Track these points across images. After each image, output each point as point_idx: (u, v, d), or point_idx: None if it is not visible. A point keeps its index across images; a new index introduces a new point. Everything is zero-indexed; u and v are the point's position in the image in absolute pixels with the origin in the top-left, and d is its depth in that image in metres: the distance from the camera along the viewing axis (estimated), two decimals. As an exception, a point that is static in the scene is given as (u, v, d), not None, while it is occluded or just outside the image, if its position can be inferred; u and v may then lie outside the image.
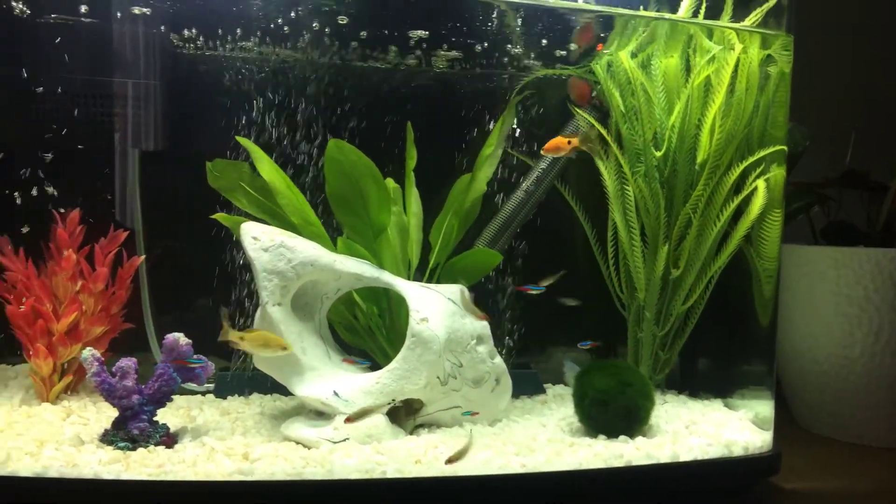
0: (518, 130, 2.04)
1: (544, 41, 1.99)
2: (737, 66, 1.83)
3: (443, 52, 1.98)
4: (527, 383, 2.01)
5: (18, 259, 1.84)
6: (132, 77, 1.94)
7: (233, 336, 1.55)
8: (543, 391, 2.05)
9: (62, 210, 1.87)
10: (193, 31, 1.91)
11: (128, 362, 1.58)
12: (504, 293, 2.08)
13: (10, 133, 1.94)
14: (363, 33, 1.93)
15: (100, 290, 1.86)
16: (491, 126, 2.00)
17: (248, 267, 1.87)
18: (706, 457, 1.62)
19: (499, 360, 1.78)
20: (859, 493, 1.78)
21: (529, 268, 2.07)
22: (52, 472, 1.40)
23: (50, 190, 1.91)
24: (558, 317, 1.98)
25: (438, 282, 1.86)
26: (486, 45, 1.99)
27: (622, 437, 1.66)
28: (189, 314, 2.02)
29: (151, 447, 1.52)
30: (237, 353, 1.93)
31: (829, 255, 2.06)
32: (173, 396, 1.63)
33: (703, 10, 1.86)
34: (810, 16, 1.86)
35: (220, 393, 1.92)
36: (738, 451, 1.66)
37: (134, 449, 1.51)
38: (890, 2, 2.65)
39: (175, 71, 1.96)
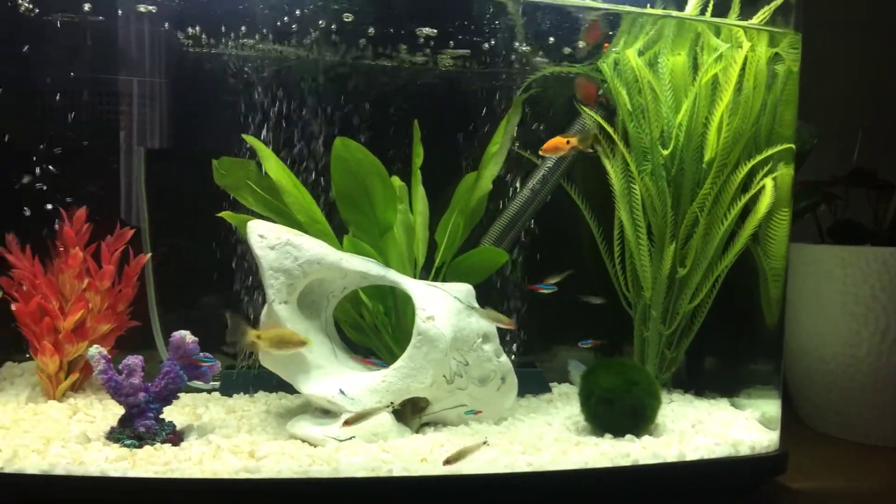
0: (529, 128, 2.03)
1: (551, 39, 1.98)
2: (744, 64, 1.82)
3: (450, 50, 1.98)
4: (532, 382, 2.01)
5: (25, 257, 1.84)
6: (138, 75, 1.94)
7: (251, 336, 1.55)
8: (549, 390, 2.04)
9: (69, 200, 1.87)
10: (198, 28, 1.91)
11: (134, 360, 1.58)
12: (507, 292, 2.08)
13: (15, 131, 1.94)
14: (371, 30, 1.92)
15: (106, 288, 1.87)
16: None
17: (252, 264, 1.88)
18: (713, 456, 1.62)
19: (504, 358, 1.77)
20: (866, 493, 1.77)
21: (535, 266, 2.06)
22: (59, 470, 1.40)
23: (55, 188, 1.92)
24: (563, 315, 1.97)
25: (444, 280, 1.86)
26: (492, 42, 1.98)
27: (628, 436, 1.65)
28: (195, 312, 2.02)
29: (158, 445, 1.52)
30: (243, 352, 1.94)
31: (835, 254, 2.06)
32: (179, 394, 1.63)
33: (710, 8, 1.86)
34: (818, 14, 1.85)
35: (226, 391, 1.93)
36: (744, 451, 1.65)
37: (140, 446, 1.51)
38: (898, -1, 2.64)
39: (181, 69, 1.96)
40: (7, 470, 1.39)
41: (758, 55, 1.84)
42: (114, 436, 1.54)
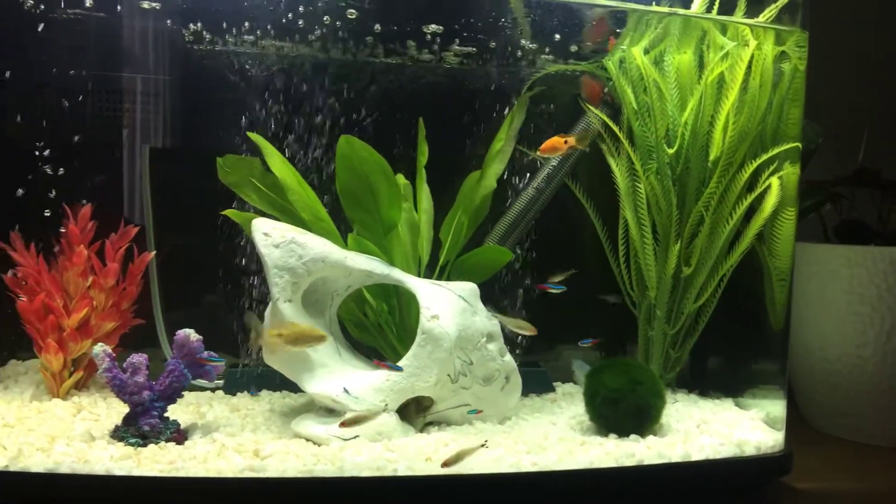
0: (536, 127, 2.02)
1: (557, 36, 1.97)
2: (751, 62, 1.81)
3: (456, 48, 1.97)
4: (536, 381, 2.00)
5: (30, 254, 1.84)
6: (142, 72, 1.93)
7: (270, 334, 1.54)
8: (553, 389, 2.04)
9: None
10: (201, 25, 1.91)
11: (139, 358, 1.58)
12: (509, 291, 2.07)
13: (19, 130, 1.94)
14: (377, 26, 1.92)
15: (110, 286, 1.87)
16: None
17: (257, 262, 1.88)
18: (718, 456, 1.62)
19: (509, 357, 1.77)
20: (871, 494, 1.77)
21: (539, 265, 2.06)
22: (64, 468, 1.40)
23: (59, 186, 1.91)
24: (567, 314, 1.97)
25: (448, 279, 1.85)
26: (498, 40, 1.98)
27: (633, 436, 1.65)
28: (199, 310, 2.01)
29: (162, 443, 1.52)
30: (247, 350, 1.94)
31: (841, 254, 2.05)
32: (183, 392, 1.63)
33: (716, 6, 1.85)
34: (824, 12, 1.84)
35: (230, 389, 1.92)
36: (749, 451, 1.65)
37: (145, 445, 1.51)
38: (904, -2, 2.63)
39: (185, 66, 1.95)
40: (12, 468, 1.39)
41: (764, 53, 1.83)
42: (118, 434, 1.54)
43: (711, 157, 1.88)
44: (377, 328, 1.89)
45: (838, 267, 2.05)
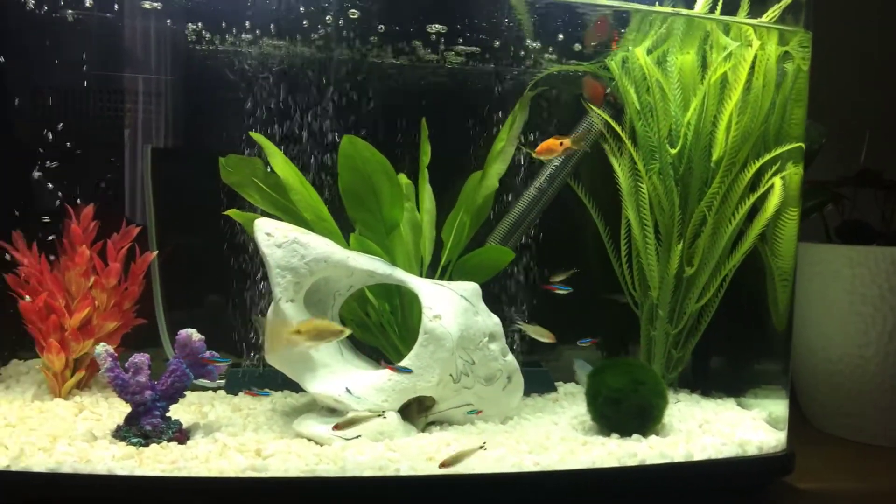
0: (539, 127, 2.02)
1: (560, 36, 1.97)
2: (754, 62, 1.81)
3: (459, 48, 1.97)
4: (538, 381, 2.00)
5: (32, 254, 1.84)
6: (144, 73, 1.93)
7: (290, 332, 1.54)
8: (554, 389, 2.04)
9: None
10: (203, 25, 1.91)
11: (141, 358, 1.57)
12: (511, 290, 2.07)
13: (22, 128, 1.94)
14: (381, 26, 1.91)
15: (112, 286, 1.87)
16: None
17: (259, 262, 1.88)
18: (720, 456, 1.61)
19: (511, 357, 1.77)
20: (873, 494, 1.77)
21: (542, 264, 2.06)
22: (66, 468, 1.40)
23: (61, 185, 1.91)
24: (569, 314, 1.96)
25: (450, 279, 1.85)
26: (500, 40, 1.97)
27: (635, 436, 1.65)
28: (201, 310, 2.01)
29: (164, 443, 1.52)
30: (250, 349, 1.94)
31: (843, 254, 2.05)
32: (185, 392, 1.63)
33: (719, 6, 1.85)
34: (828, 12, 1.84)
35: (232, 389, 1.92)
36: (752, 451, 1.65)
37: (147, 445, 1.51)
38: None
39: (188, 66, 1.95)
40: (14, 468, 1.39)
41: (767, 53, 1.83)
42: (120, 434, 1.54)
43: (714, 158, 1.88)
44: (379, 328, 1.89)
45: (840, 267, 2.05)
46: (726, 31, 1.86)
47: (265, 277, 1.74)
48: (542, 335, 1.74)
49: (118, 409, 1.72)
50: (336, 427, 1.53)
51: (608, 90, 2.01)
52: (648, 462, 1.56)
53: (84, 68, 1.91)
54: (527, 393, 1.86)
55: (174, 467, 1.42)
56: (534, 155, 1.78)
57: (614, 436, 1.66)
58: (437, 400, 1.69)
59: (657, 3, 1.87)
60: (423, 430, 1.68)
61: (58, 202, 1.89)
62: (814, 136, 2.09)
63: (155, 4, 1.87)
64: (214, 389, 1.92)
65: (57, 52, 1.90)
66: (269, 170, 1.81)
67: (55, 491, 1.40)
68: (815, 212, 2.23)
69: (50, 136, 1.90)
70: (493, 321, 1.76)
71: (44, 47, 1.89)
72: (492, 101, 2.01)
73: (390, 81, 2.00)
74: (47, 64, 1.90)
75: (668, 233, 1.94)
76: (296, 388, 1.81)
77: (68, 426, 1.60)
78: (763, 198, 1.86)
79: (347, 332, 1.55)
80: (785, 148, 1.83)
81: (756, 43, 1.81)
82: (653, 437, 1.64)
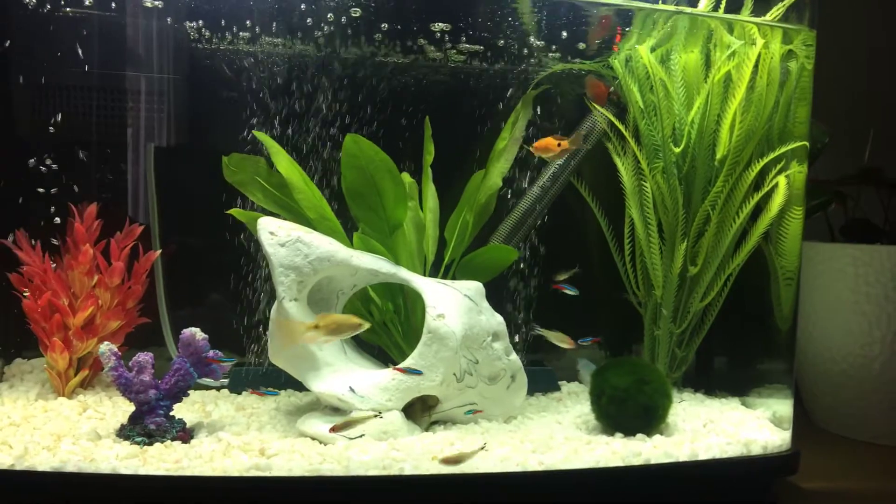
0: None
1: (564, 33, 1.97)
2: (758, 61, 1.81)
3: (464, 46, 1.96)
4: (542, 380, 2.00)
5: (35, 253, 1.84)
6: (147, 71, 1.93)
7: (308, 326, 1.53)
8: (558, 388, 2.04)
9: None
10: (206, 23, 1.91)
11: (145, 357, 1.57)
12: (514, 289, 2.07)
13: (25, 127, 1.94)
14: (384, 25, 1.91)
15: (116, 285, 1.86)
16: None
17: (262, 261, 1.88)
18: (724, 455, 1.61)
19: (514, 356, 1.77)
20: (878, 493, 1.77)
21: (546, 264, 2.06)
22: (70, 467, 1.40)
23: (64, 184, 1.91)
24: (573, 313, 1.96)
25: (454, 278, 1.85)
26: (504, 39, 1.97)
27: (640, 435, 1.64)
28: (204, 309, 2.01)
29: (168, 442, 1.52)
30: (252, 348, 1.94)
31: (848, 253, 2.04)
32: (188, 391, 1.63)
33: (723, 4, 1.84)
34: (832, 11, 1.84)
35: (235, 388, 1.92)
36: (756, 450, 1.65)
37: (150, 444, 1.51)
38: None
39: (191, 65, 1.95)
40: (18, 467, 1.39)
41: (771, 52, 1.83)
42: (124, 433, 1.54)
43: (718, 156, 1.87)
44: (383, 327, 1.89)
45: (844, 266, 2.04)
46: (730, 30, 1.85)
47: (269, 276, 1.74)
48: (562, 341, 1.73)
49: (122, 409, 1.72)
50: (333, 429, 1.52)
51: (612, 89, 2.01)
52: (653, 461, 1.56)
53: (84, 67, 1.91)
54: (530, 392, 1.86)
55: (178, 466, 1.42)
56: (532, 150, 1.78)
57: (618, 435, 1.66)
58: (441, 399, 1.69)
59: (661, 1, 1.86)
60: (426, 430, 1.68)
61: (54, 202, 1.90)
62: (817, 135, 2.09)
63: (156, 3, 1.87)
64: (218, 388, 1.92)
65: (57, 50, 1.90)
66: (272, 169, 1.81)
67: (59, 490, 1.40)
68: (819, 211, 2.23)
69: (50, 136, 1.90)
70: (496, 320, 1.76)
71: (45, 45, 1.89)
72: (494, 99, 2.01)
73: (393, 80, 2.00)
74: (48, 61, 1.90)
75: (671, 232, 1.94)
76: (299, 387, 1.81)
77: (72, 425, 1.60)
78: (767, 197, 1.85)
79: (367, 325, 1.53)
80: (789, 147, 1.83)
81: (760, 41, 1.80)
82: (657, 437, 1.64)
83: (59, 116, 1.90)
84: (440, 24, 1.91)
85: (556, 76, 2.00)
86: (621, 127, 1.93)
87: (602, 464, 1.53)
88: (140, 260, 1.90)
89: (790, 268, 1.85)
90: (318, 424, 1.60)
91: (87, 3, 1.86)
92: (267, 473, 1.42)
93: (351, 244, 1.78)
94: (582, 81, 2.02)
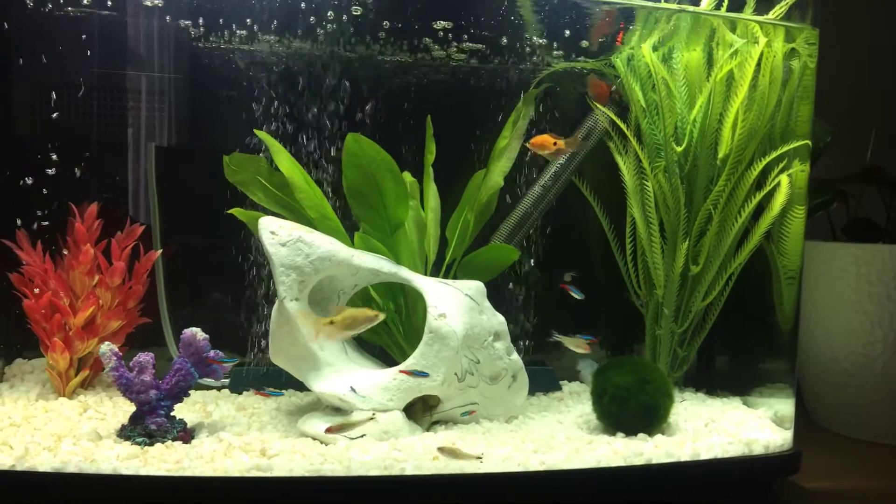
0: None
1: (567, 32, 1.96)
2: (760, 59, 1.80)
3: (465, 45, 1.96)
4: (543, 380, 2.00)
5: (36, 253, 1.84)
6: (148, 70, 1.93)
7: (322, 322, 1.52)
8: (559, 388, 2.03)
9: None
10: (205, 23, 1.90)
11: (146, 357, 1.57)
12: (517, 289, 2.07)
13: (26, 127, 1.94)
14: (386, 23, 1.91)
15: (117, 285, 1.86)
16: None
17: (263, 261, 1.88)
18: (726, 455, 1.61)
19: (515, 356, 1.77)
20: (879, 492, 1.77)
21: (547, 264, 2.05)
22: (71, 468, 1.39)
23: (65, 184, 1.91)
24: (574, 312, 1.96)
25: (455, 277, 1.85)
26: (506, 37, 1.97)
27: (641, 435, 1.64)
28: (205, 309, 2.01)
29: (169, 442, 1.52)
30: (253, 348, 1.93)
31: (850, 252, 2.04)
32: (189, 391, 1.63)
33: (726, 3, 1.84)
34: (835, 10, 1.83)
35: (236, 388, 1.92)
36: (758, 450, 1.64)
37: (151, 444, 1.50)
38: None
39: (192, 65, 1.95)
40: (18, 468, 1.39)
41: (774, 51, 1.82)
42: (125, 433, 1.54)
43: (720, 155, 1.87)
44: (384, 327, 1.88)
45: (846, 265, 2.04)
46: (732, 28, 1.85)
47: (270, 276, 1.74)
48: (579, 346, 1.73)
49: (122, 409, 1.72)
50: (328, 430, 1.52)
51: (613, 88, 2.01)
52: (654, 461, 1.55)
53: (85, 66, 1.90)
54: (532, 392, 1.86)
55: (179, 467, 1.42)
56: (528, 145, 1.77)
57: (620, 435, 1.65)
58: (442, 399, 1.68)
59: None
60: (427, 430, 1.67)
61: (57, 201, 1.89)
62: (819, 134, 2.08)
63: (156, 2, 1.86)
64: (219, 388, 1.92)
65: (56, 50, 1.89)
66: (273, 168, 1.80)
67: (60, 491, 1.39)
68: (821, 210, 2.23)
69: (50, 136, 1.89)
70: (497, 320, 1.76)
71: (45, 44, 1.88)
72: (496, 98, 2.01)
73: (394, 79, 1.99)
74: (48, 60, 1.90)
75: (673, 231, 1.93)
76: (300, 387, 1.81)
77: (73, 425, 1.60)
78: (769, 196, 1.85)
79: (382, 315, 1.53)
80: (791, 145, 1.82)
81: (762, 40, 1.80)
82: (659, 436, 1.64)
83: (59, 116, 1.89)
84: (441, 22, 1.90)
85: (558, 74, 2.00)
86: (623, 126, 1.92)
87: (604, 463, 1.53)
88: (141, 260, 1.89)
89: (792, 267, 1.85)
90: (320, 424, 1.60)
91: (85, 2, 1.85)
92: (268, 474, 1.42)
93: (352, 244, 1.77)
94: (583, 80, 2.02)
